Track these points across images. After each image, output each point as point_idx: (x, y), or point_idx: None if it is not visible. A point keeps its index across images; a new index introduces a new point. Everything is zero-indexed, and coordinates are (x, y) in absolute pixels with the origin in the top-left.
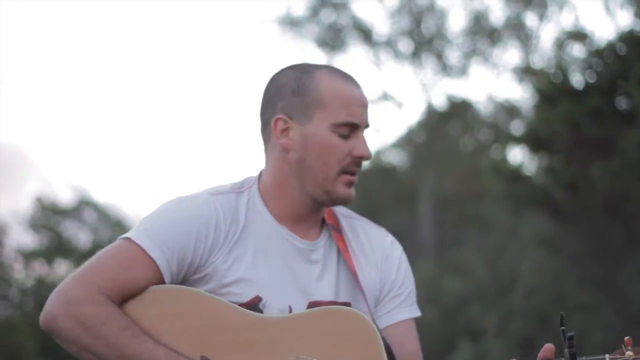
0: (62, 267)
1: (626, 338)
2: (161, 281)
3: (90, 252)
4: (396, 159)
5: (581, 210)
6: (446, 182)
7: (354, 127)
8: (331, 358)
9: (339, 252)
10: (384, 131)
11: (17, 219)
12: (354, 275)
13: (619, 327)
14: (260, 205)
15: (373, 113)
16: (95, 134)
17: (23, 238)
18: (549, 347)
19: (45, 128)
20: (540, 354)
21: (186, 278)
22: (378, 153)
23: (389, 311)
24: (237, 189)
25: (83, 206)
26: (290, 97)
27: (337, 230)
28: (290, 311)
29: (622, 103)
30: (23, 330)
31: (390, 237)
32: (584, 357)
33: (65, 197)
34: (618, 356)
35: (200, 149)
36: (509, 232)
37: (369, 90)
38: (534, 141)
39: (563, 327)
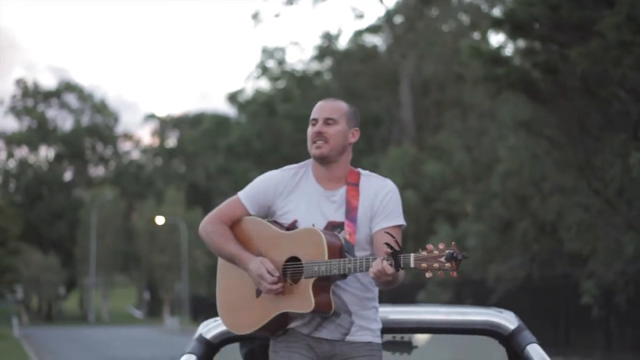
0: (44, 152)
1: (427, 245)
2: (249, 214)
3: (73, 133)
4: (376, 41)
5: (560, 92)
6: (426, 65)
7: (315, 120)
8: (303, 251)
9: (350, 198)
10: (365, 13)
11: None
12: (353, 210)
13: (596, 208)
14: (310, 174)
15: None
16: (78, 14)
17: (6, 122)
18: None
19: (31, 9)
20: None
21: (265, 212)
22: (357, 35)
23: (376, 223)
24: (302, 166)
25: (65, 90)
26: None
27: (353, 184)
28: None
29: None
30: (6, 211)
31: (388, 181)
32: (402, 256)
33: (47, 80)
34: (425, 253)
35: (183, 27)
36: (488, 115)
37: None
38: (513, 24)
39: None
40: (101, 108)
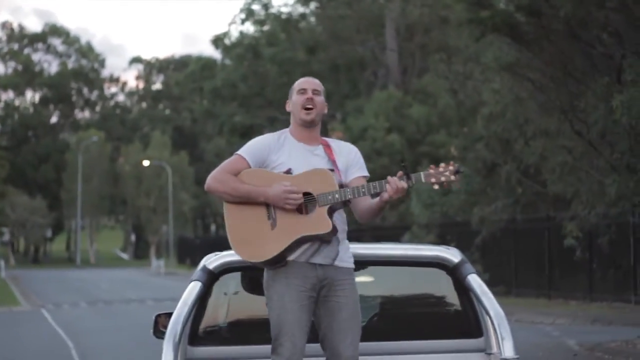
0: (30, 95)
1: (431, 165)
2: (249, 167)
3: (59, 76)
4: None
5: (543, 35)
6: (411, 9)
7: (305, 90)
8: (315, 185)
9: (328, 154)
10: None
11: None
12: (334, 162)
13: (579, 151)
14: (290, 136)
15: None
16: None
17: None
18: (399, 173)
19: None
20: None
21: (262, 165)
22: None
23: (352, 173)
24: (281, 133)
25: (51, 33)
26: (290, 93)
27: (327, 146)
28: None
29: None
30: None
31: (352, 145)
32: (412, 174)
33: (33, 23)
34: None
35: None
36: (473, 58)
37: None
38: None
39: (403, 162)
40: (87, 51)
